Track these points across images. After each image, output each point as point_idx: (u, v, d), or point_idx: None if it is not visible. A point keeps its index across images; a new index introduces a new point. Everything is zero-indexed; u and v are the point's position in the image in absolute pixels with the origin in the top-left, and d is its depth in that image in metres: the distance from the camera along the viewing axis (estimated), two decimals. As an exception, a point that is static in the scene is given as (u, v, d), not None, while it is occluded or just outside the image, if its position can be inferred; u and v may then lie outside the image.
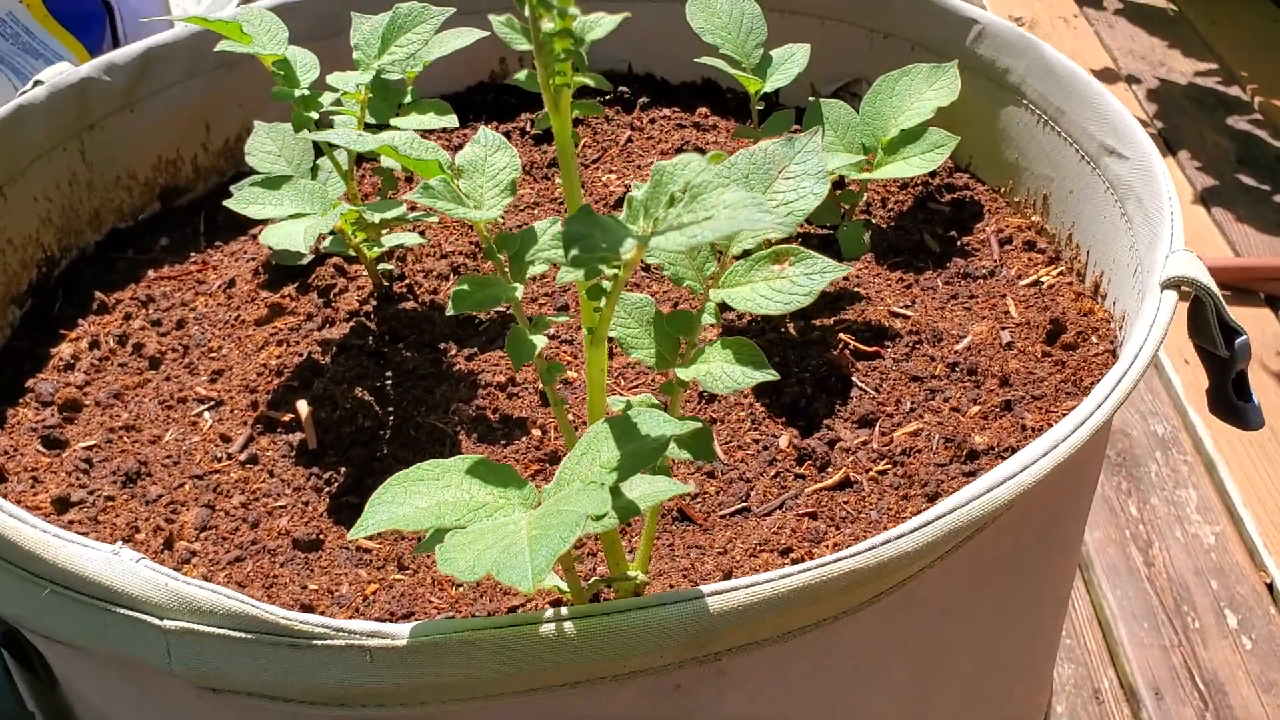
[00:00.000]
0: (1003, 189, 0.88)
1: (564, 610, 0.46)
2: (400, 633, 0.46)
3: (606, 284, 0.42)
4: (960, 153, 0.91)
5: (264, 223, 0.92)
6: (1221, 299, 0.60)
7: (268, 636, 0.46)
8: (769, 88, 0.86)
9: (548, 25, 0.36)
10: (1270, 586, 1.56)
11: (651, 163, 0.96)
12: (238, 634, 0.47)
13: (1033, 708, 0.77)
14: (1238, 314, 1.95)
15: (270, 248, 0.69)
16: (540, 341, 0.49)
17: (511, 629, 0.45)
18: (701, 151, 0.93)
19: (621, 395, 0.53)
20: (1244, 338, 0.60)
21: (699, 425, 0.44)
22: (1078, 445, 0.51)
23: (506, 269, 0.50)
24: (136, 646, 0.49)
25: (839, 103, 0.86)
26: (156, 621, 0.48)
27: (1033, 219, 0.85)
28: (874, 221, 0.88)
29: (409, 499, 0.44)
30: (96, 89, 0.86)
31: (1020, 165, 0.85)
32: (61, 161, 0.85)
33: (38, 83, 0.83)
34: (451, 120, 0.77)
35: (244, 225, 0.93)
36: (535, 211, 0.92)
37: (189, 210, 0.95)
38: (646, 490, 0.45)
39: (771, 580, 0.46)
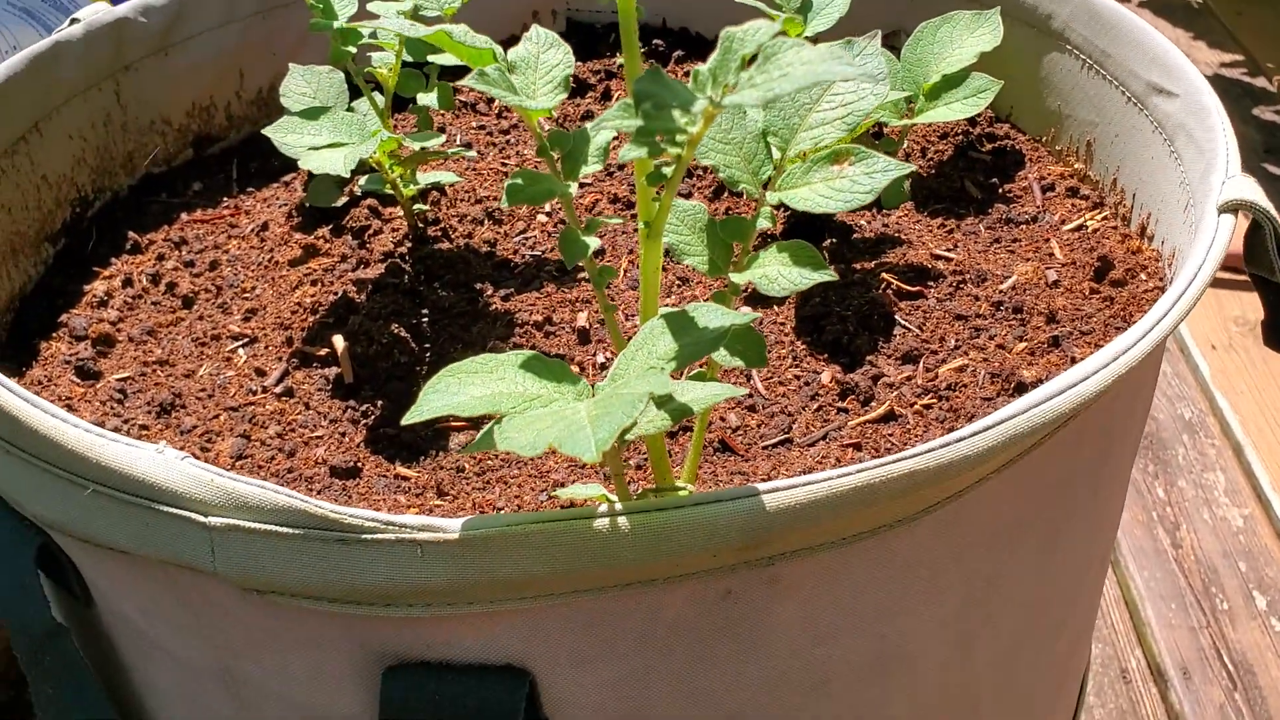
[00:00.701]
0: (1044, 138, 0.87)
1: (617, 505, 0.45)
2: (452, 526, 0.45)
3: (667, 170, 0.41)
4: (1000, 103, 0.90)
5: (298, 171, 0.92)
6: (1280, 223, 0.59)
7: (315, 532, 0.46)
8: (809, 31, 0.85)
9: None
10: (1300, 568, 1.54)
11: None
12: (285, 529, 0.46)
13: (1073, 666, 0.76)
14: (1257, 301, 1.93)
15: (310, 172, 0.69)
16: (593, 243, 0.48)
17: (564, 523, 0.44)
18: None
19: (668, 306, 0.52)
20: (1304, 264, 0.59)
21: (755, 316, 0.43)
22: (1140, 357, 0.50)
23: (559, 168, 0.49)
24: (180, 547, 0.48)
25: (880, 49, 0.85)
26: (201, 519, 0.47)
27: (1075, 166, 0.84)
28: (915, 169, 0.87)
29: (464, 388, 0.44)
30: (132, 30, 0.85)
31: (1063, 113, 0.84)
32: (97, 101, 0.84)
33: (74, 20, 0.83)
34: (491, 58, 0.77)
35: (277, 173, 0.92)
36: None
37: (222, 158, 0.95)
38: (700, 394, 0.44)
39: (829, 479, 0.45)
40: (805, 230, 0.80)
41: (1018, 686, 0.65)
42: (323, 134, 0.72)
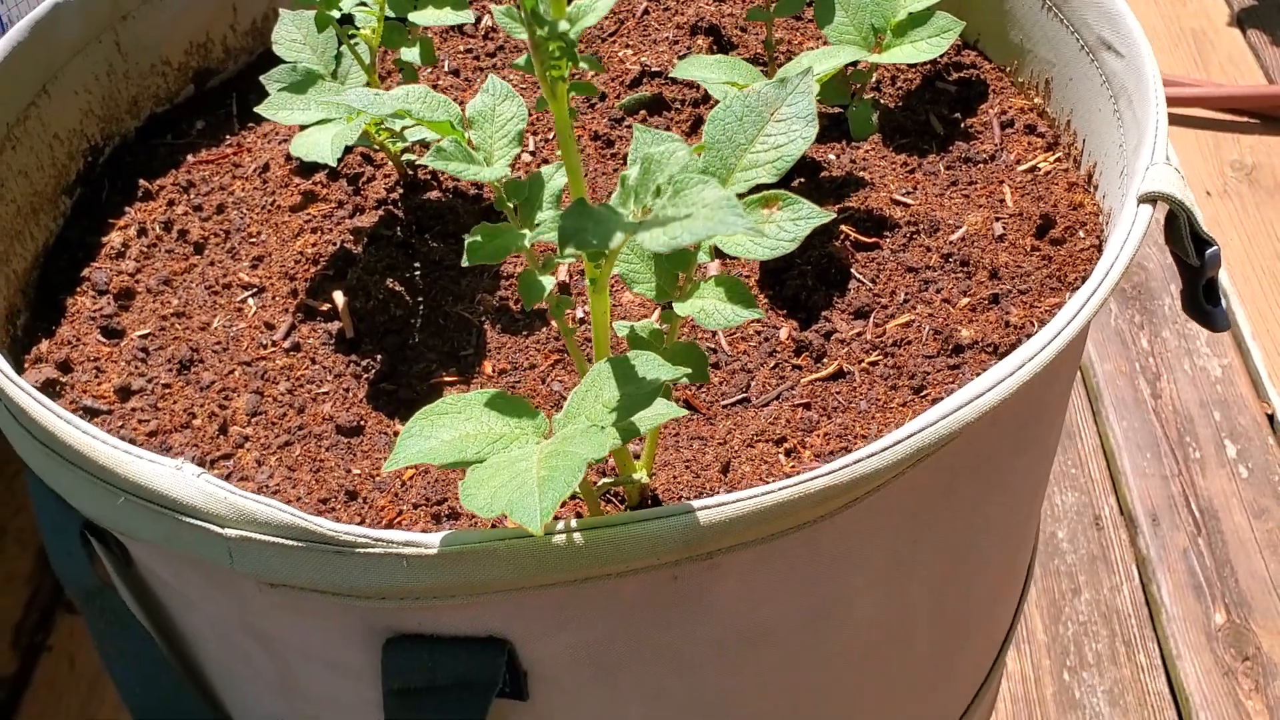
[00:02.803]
0: (1008, 69, 0.90)
1: (573, 523, 0.52)
2: (431, 542, 0.53)
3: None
4: (969, 30, 0.93)
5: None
6: (1195, 212, 0.64)
7: (316, 545, 0.53)
8: (779, -32, 0.87)
9: (541, 31, 0.40)
10: (1271, 417, 1.62)
11: (667, 36, 0.98)
12: (290, 542, 0.54)
13: (1006, 594, 0.84)
14: (1268, 143, 1.94)
15: (292, 149, 0.73)
16: (549, 282, 0.54)
17: (526, 539, 0.52)
18: (720, 35, 0.95)
19: (626, 321, 0.58)
20: (1214, 249, 0.64)
21: (685, 372, 0.49)
22: (1042, 365, 0.56)
23: (516, 214, 0.54)
24: (203, 548, 0.56)
25: (849, -17, 0.88)
26: (219, 530, 0.55)
27: (1035, 101, 0.87)
28: (882, 101, 0.91)
29: (435, 432, 0.50)
30: (126, -20, 0.89)
31: (1025, 47, 0.87)
32: (98, 54, 0.88)
33: (69, -23, 0.86)
34: (468, 15, 0.80)
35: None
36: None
37: (222, 91, 0.99)
38: (648, 416, 0.51)
39: (755, 496, 0.52)
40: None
41: (951, 611, 0.73)
42: (310, 108, 0.77)
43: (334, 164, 0.70)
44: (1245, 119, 1.99)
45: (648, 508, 0.64)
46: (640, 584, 0.56)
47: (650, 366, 0.49)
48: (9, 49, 0.81)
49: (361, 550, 0.53)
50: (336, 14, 0.79)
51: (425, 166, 0.88)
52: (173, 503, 0.55)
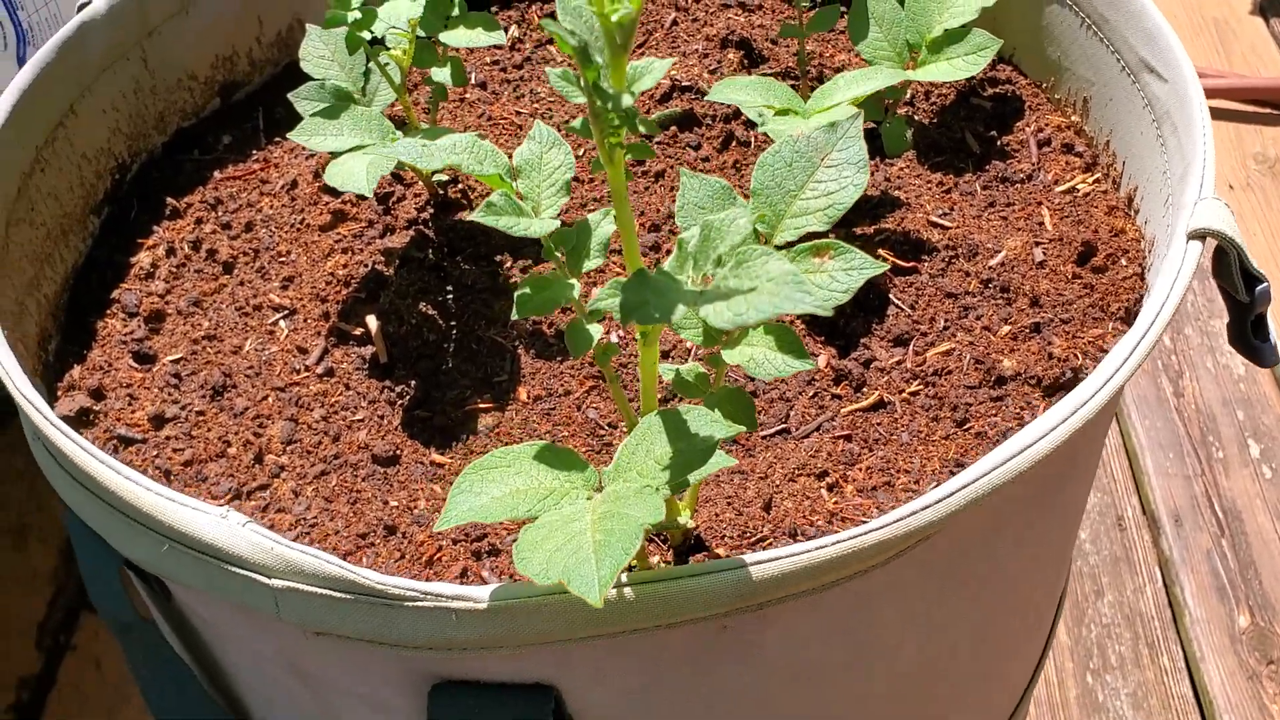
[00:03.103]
0: (1044, 85, 0.89)
1: (623, 577, 0.52)
2: (480, 596, 0.52)
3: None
4: (1005, 45, 0.91)
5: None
6: (1244, 249, 0.63)
7: (364, 597, 0.53)
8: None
9: (602, 103, 0.39)
10: (1295, 418, 1.61)
11: (696, 49, 0.97)
12: (337, 594, 0.53)
13: (1044, 617, 0.84)
14: (1277, 136, 1.92)
15: (327, 178, 0.73)
16: (596, 331, 0.53)
17: (575, 595, 0.51)
18: (750, 49, 0.94)
19: (670, 365, 0.57)
20: (1264, 285, 0.63)
21: (741, 429, 0.49)
22: (1094, 411, 0.56)
23: (564, 263, 0.54)
24: (248, 597, 0.55)
25: (884, -3, 0.86)
26: (265, 580, 0.54)
27: (1072, 119, 0.86)
28: (917, 118, 0.90)
29: (485, 488, 0.50)
30: (153, -4, 0.88)
31: (1062, 64, 0.86)
32: (125, 71, 0.88)
33: (95, -6, 0.85)
34: (500, 37, 0.79)
35: (300, 120, 0.96)
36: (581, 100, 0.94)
37: (247, 104, 0.98)
38: (698, 471, 0.50)
39: (809, 551, 0.52)
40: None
41: (991, 640, 0.73)
42: (344, 133, 0.76)
43: (370, 195, 0.69)
44: (1268, 110, 1.97)
45: (691, 548, 0.64)
46: (689, 633, 0.56)
47: (704, 423, 0.49)
48: (38, 70, 0.80)
49: (410, 604, 0.53)
50: (367, 35, 0.78)
51: (455, 185, 0.88)
52: (218, 552, 0.55)
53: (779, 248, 0.54)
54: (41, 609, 1.52)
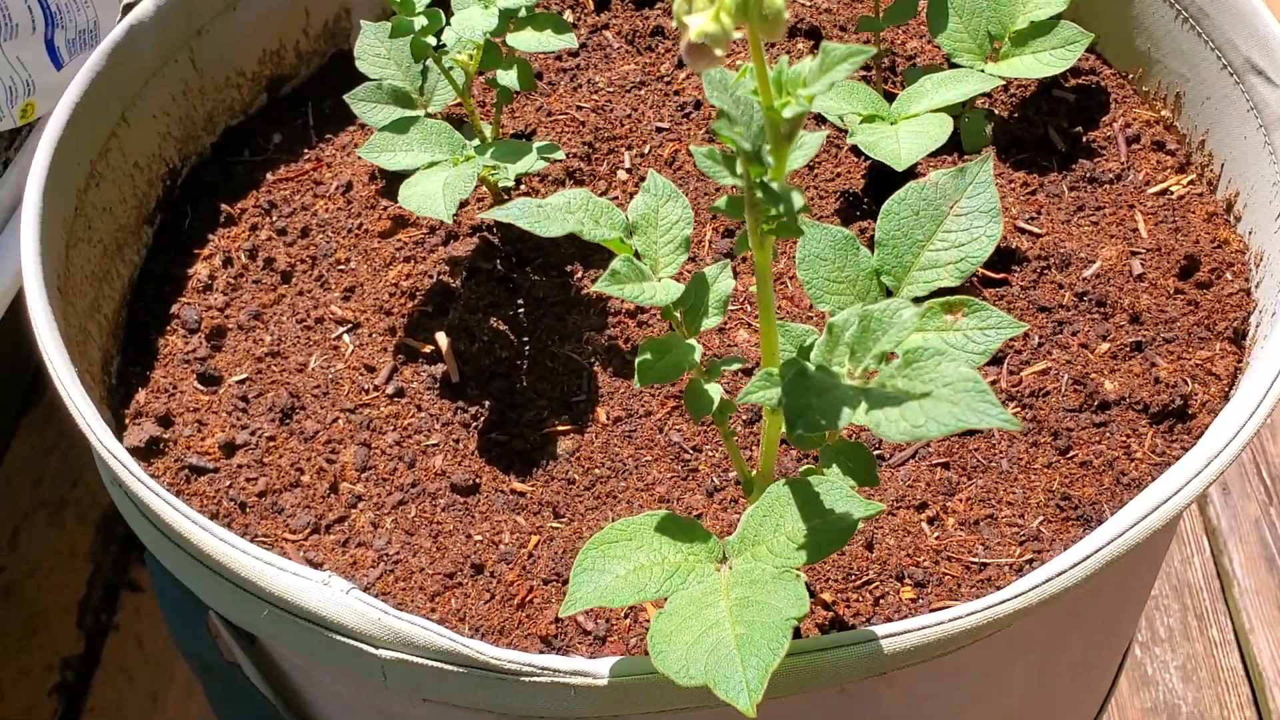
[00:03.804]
0: (1131, 75, 0.86)
1: (749, 650, 0.50)
2: (600, 671, 0.50)
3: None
4: (1087, 30, 0.88)
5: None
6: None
7: (478, 670, 0.51)
8: None
9: (761, 195, 0.37)
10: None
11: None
12: (450, 667, 0.52)
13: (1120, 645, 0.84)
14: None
15: (402, 202, 0.70)
16: (716, 393, 0.51)
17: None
18: (820, 38, 0.91)
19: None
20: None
21: (881, 509, 0.47)
22: (1226, 465, 0.54)
23: (681, 321, 0.51)
24: (356, 665, 0.54)
25: (964, -14, 0.83)
26: (372, 651, 0.53)
27: (1162, 114, 0.83)
28: (995, 111, 0.86)
29: (608, 565, 0.48)
30: (200, -7, 0.84)
31: (1152, 56, 0.83)
32: (174, 74, 0.84)
33: (140, -5, 0.81)
34: (570, 39, 0.76)
35: (351, 116, 0.92)
36: (643, 92, 0.91)
37: (295, 98, 0.94)
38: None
39: (942, 623, 0.50)
40: (886, 183, 0.80)
41: (1088, 673, 0.72)
42: (414, 149, 0.73)
43: (449, 220, 0.66)
44: None
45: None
46: (807, 698, 0.54)
47: (839, 497, 0.47)
48: (90, 79, 0.76)
49: (527, 678, 0.51)
50: (432, 40, 0.75)
51: (519, 188, 0.85)
52: (322, 620, 0.53)
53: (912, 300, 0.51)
54: (81, 587, 1.52)
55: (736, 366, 0.52)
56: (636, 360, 0.49)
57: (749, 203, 0.39)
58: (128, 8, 0.82)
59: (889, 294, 0.51)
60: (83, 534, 1.56)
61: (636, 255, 0.51)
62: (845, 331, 0.41)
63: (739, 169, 0.38)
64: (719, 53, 0.35)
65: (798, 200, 0.38)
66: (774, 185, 0.38)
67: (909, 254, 0.51)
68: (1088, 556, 0.51)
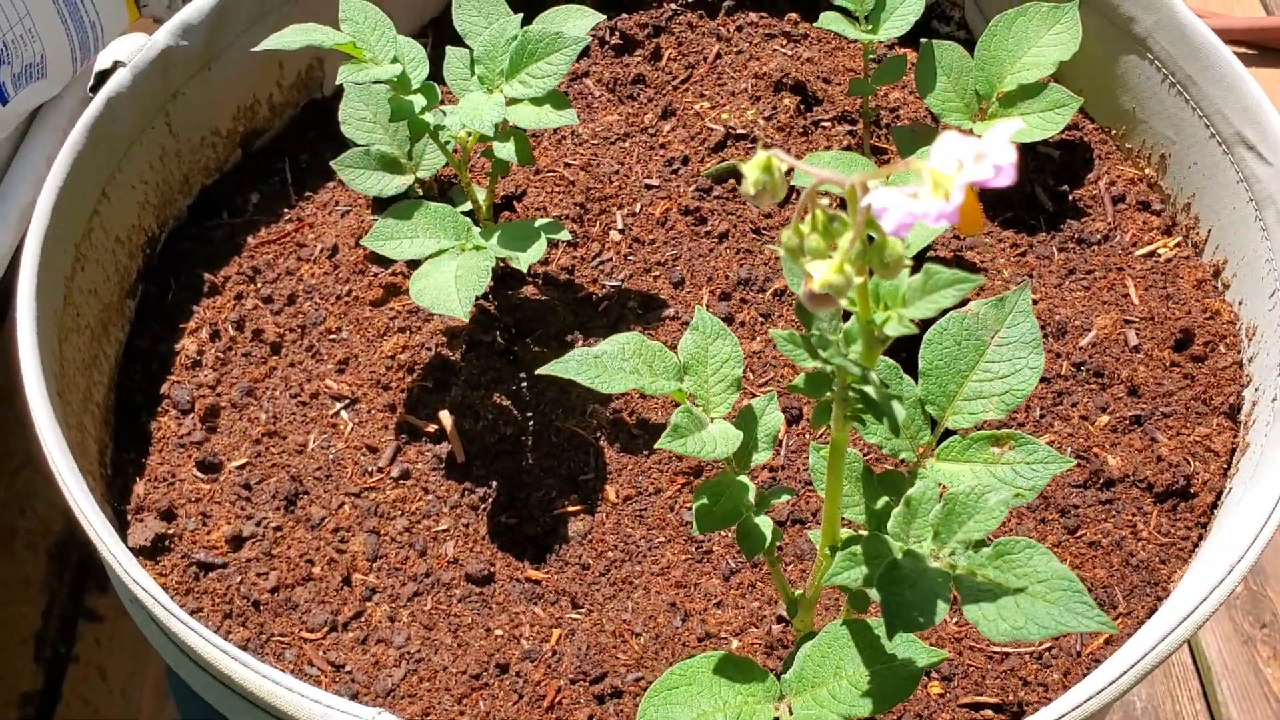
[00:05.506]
0: (1114, 132, 0.87)
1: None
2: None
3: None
4: (1070, 86, 0.89)
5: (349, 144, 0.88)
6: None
7: (537, 809, 0.52)
8: (881, 36, 0.82)
9: (855, 390, 0.37)
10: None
11: (745, 89, 0.92)
12: (508, 806, 0.52)
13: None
14: (1265, 75, 1.92)
15: (414, 296, 0.69)
16: (768, 527, 0.51)
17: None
18: (805, 91, 0.90)
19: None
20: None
21: (945, 656, 0.48)
22: (1243, 574, 0.55)
23: (733, 458, 0.51)
24: (406, 800, 0.54)
25: (952, 45, 0.83)
26: (428, 789, 0.53)
27: (1146, 172, 0.84)
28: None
29: (672, 712, 0.48)
30: (176, 57, 0.81)
31: (1137, 116, 0.84)
32: (151, 140, 0.82)
33: (117, 64, 0.78)
34: (571, 116, 0.75)
35: (329, 171, 0.90)
36: (628, 144, 0.90)
37: (270, 152, 0.92)
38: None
39: (990, 748, 0.51)
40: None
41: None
42: (419, 235, 0.72)
43: (465, 319, 0.65)
44: (1242, 49, 1.96)
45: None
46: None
47: (902, 641, 0.47)
48: (73, 159, 0.74)
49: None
50: (431, 121, 0.73)
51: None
52: (374, 761, 0.53)
53: (949, 433, 0.52)
54: (36, 619, 1.48)
55: (785, 498, 0.52)
56: (694, 506, 0.49)
57: (838, 397, 0.39)
58: (101, 76, 0.79)
59: (933, 424, 0.52)
60: (34, 563, 1.52)
61: (692, 400, 0.51)
62: (923, 505, 0.42)
63: (826, 363, 0.39)
64: (842, 302, 0.35)
65: (899, 411, 0.38)
66: (873, 394, 0.38)
67: (952, 383, 0.51)
68: (1124, 673, 0.53)
